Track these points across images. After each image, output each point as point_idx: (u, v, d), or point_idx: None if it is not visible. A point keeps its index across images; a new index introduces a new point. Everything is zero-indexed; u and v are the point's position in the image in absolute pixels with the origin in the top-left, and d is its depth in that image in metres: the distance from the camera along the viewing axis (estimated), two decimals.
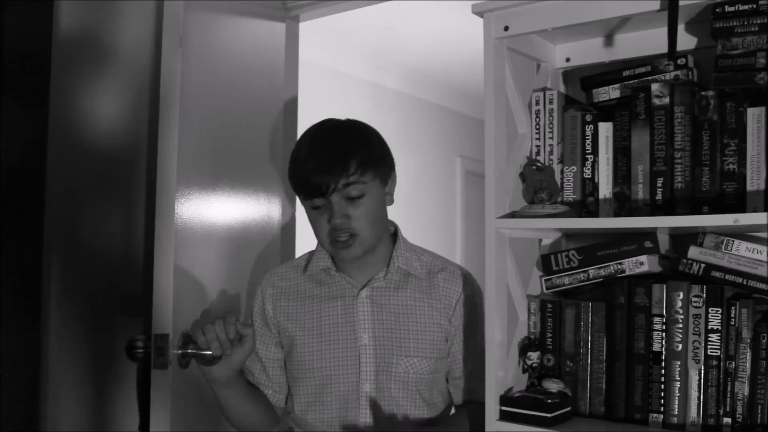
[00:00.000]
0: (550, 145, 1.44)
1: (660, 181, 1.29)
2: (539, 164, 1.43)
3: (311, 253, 1.60)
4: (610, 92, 1.45)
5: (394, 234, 1.58)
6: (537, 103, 1.46)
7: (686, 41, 1.38)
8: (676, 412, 1.28)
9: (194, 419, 1.72)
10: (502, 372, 1.38)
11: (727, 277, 1.28)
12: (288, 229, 2.20)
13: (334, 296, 1.53)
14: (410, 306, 1.51)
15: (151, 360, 1.58)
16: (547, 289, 1.46)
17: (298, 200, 1.52)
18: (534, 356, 1.39)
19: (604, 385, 1.36)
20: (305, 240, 1.95)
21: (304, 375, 1.53)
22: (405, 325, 1.50)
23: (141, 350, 1.57)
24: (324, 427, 1.51)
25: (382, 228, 1.52)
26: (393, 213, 1.57)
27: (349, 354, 1.50)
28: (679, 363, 1.28)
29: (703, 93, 1.27)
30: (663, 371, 1.30)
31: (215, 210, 1.84)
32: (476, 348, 1.51)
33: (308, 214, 1.48)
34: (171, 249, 1.60)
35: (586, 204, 1.40)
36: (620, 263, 1.37)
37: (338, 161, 1.41)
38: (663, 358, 1.30)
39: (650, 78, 1.39)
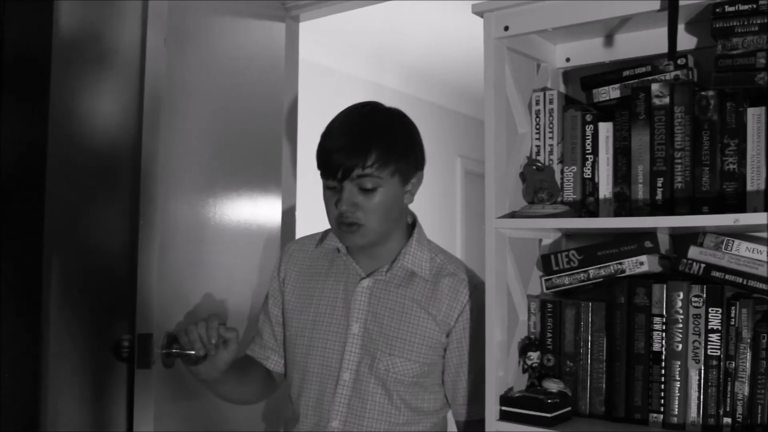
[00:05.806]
0: (550, 145, 1.44)
1: (660, 181, 1.29)
2: (539, 164, 1.43)
3: (327, 231, 1.57)
4: (610, 92, 1.45)
5: (414, 226, 1.53)
6: (537, 103, 1.46)
7: (686, 41, 1.38)
8: (676, 412, 1.28)
9: (178, 419, 1.72)
10: (502, 372, 1.38)
11: (727, 277, 1.28)
12: (288, 231, 2.19)
13: (338, 279, 1.52)
14: (407, 306, 1.46)
15: (134, 359, 1.58)
16: (547, 289, 1.46)
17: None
18: (534, 356, 1.39)
19: (604, 385, 1.36)
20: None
21: (293, 350, 1.53)
22: (397, 323, 1.45)
23: (126, 350, 1.58)
24: (304, 409, 1.50)
25: (392, 224, 1.47)
26: None
27: (337, 339, 1.48)
28: (679, 363, 1.28)
29: (703, 93, 1.26)
30: (663, 371, 1.30)
31: (206, 211, 1.83)
32: (476, 366, 1.44)
33: (323, 191, 1.46)
34: (155, 249, 1.59)
35: (586, 204, 1.40)
36: (620, 263, 1.37)
37: (359, 150, 1.38)
38: (663, 358, 1.30)
39: (650, 78, 1.39)
